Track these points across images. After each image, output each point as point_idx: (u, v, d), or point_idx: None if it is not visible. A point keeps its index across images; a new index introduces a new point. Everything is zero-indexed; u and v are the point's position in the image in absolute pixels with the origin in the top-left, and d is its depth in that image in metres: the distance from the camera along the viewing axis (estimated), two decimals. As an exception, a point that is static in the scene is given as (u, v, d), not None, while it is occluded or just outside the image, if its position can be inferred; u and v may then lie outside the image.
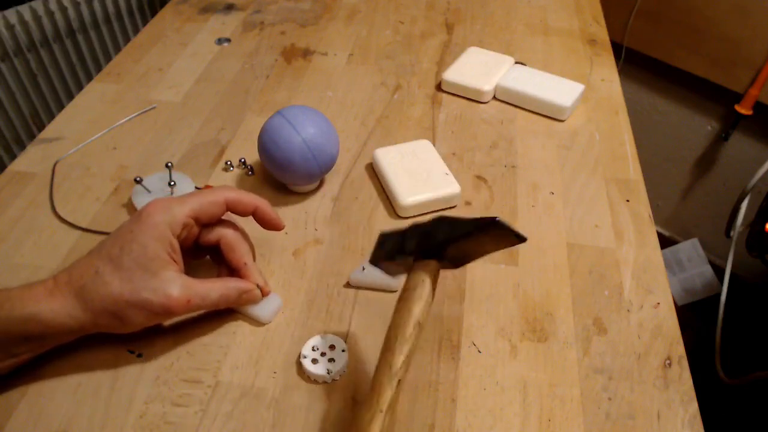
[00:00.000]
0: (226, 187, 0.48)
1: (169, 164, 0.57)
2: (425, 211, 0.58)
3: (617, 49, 1.42)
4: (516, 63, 0.76)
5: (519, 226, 0.57)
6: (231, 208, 0.47)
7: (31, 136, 1.22)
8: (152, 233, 0.42)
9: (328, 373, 0.44)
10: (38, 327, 0.40)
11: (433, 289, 0.39)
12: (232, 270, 0.48)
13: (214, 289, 0.45)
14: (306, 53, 0.81)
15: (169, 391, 0.44)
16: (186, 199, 0.45)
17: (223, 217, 0.48)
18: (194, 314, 0.48)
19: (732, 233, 1.23)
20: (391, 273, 0.46)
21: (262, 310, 0.48)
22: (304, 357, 0.45)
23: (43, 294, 0.41)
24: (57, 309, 0.41)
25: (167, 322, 0.48)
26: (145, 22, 1.37)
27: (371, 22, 0.88)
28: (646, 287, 0.52)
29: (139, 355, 0.46)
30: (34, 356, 0.43)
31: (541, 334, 0.48)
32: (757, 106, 1.33)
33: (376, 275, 0.50)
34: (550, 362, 0.46)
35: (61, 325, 0.41)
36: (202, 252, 0.49)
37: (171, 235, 0.43)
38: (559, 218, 0.58)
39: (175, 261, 0.44)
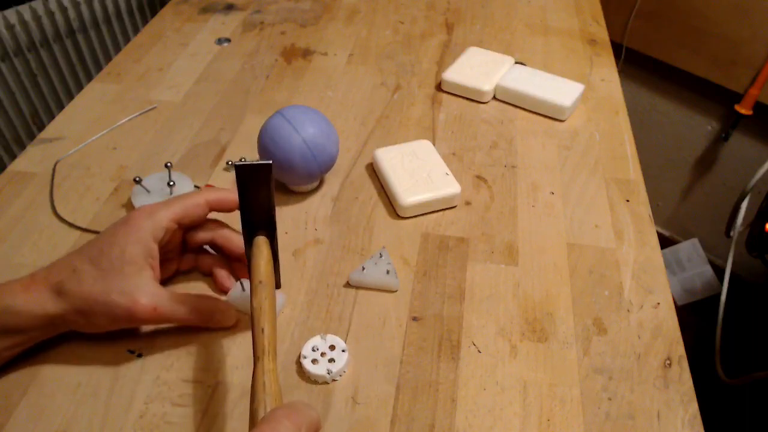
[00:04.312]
0: (205, 189, 0.48)
1: (169, 164, 0.57)
2: (425, 211, 0.58)
3: (617, 49, 1.42)
4: (516, 63, 0.76)
5: (519, 226, 0.57)
6: (214, 207, 0.47)
7: (31, 136, 1.22)
8: (132, 237, 0.43)
9: (329, 373, 0.44)
10: (12, 319, 0.41)
11: (271, 248, 0.43)
12: (226, 269, 0.49)
13: (187, 303, 0.45)
14: (306, 53, 0.81)
15: (169, 391, 0.44)
16: (169, 204, 0.46)
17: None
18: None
19: (732, 233, 1.23)
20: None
21: None
22: (304, 357, 0.45)
23: (19, 288, 0.42)
24: (31, 301, 0.41)
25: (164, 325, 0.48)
26: (145, 22, 1.37)
27: (371, 22, 0.88)
28: (646, 287, 0.52)
29: (139, 355, 0.46)
30: (13, 355, 0.43)
31: (541, 334, 0.48)
32: (757, 106, 1.33)
33: (376, 275, 0.50)
34: (550, 362, 0.46)
35: (33, 318, 0.41)
36: (188, 255, 0.50)
37: (152, 240, 0.44)
38: (559, 218, 0.58)
39: (151, 267, 0.44)
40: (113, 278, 0.42)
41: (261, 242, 0.42)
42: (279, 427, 0.31)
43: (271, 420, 0.32)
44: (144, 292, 0.43)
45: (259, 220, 0.43)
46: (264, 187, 0.41)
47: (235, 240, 0.48)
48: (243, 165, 0.40)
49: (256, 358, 0.37)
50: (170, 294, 0.44)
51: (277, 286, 0.45)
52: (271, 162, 0.40)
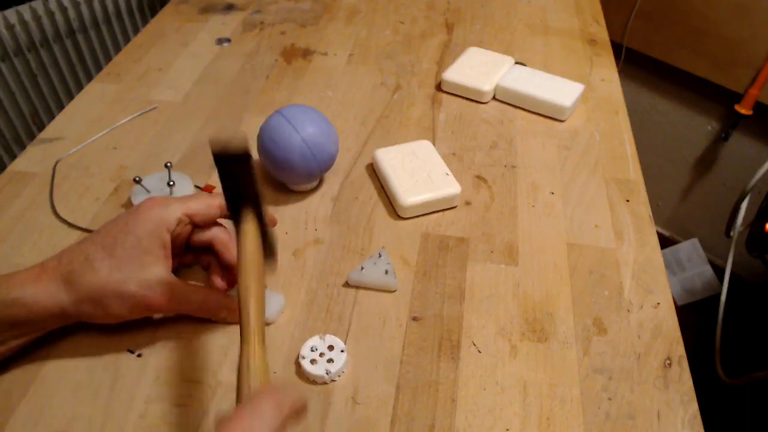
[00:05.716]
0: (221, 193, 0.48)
1: (168, 164, 0.57)
2: (426, 212, 0.58)
3: (617, 49, 1.42)
4: (516, 63, 0.76)
5: (519, 226, 0.57)
6: (225, 212, 0.47)
7: (31, 136, 1.22)
8: (147, 227, 0.43)
9: (327, 373, 0.44)
10: (22, 311, 0.41)
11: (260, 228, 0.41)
12: (225, 271, 0.48)
13: (198, 294, 0.45)
14: (306, 53, 0.81)
15: (169, 391, 0.44)
16: (184, 199, 0.46)
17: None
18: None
19: (732, 233, 1.23)
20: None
21: (266, 309, 0.47)
22: (303, 358, 0.45)
23: (29, 278, 0.41)
24: (41, 292, 0.41)
25: (161, 319, 0.48)
26: (145, 22, 1.37)
27: (371, 22, 0.88)
28: (646, 287, 0.52)
29: (139, 355, 0.46)
30: (23, 344, 0.43)
31: (541, 334, 0.48)
32: (757, 106, 1.33)
33: (375, 275, 0.50)
34: (550, 362, 0.46)
35: (44, 309, 0.41)
36: (190, 254, 0.50)
37: (165, 231, 0.44)
38: (559, 218, 0.58)
39: (165, 257, 0.44)
40: (130, 268, 0.42)
41: (248, 218, 0.41)
42: (260, 406, 0.31)
43: (253, 399, 0.31)
44: (161, 282, 0.43)
45: (243, 195, 0.41)
46: (243, 168, 0.39)
47: (232, 249, 0.48)
48: (221, 154, 0.39)
49: (243, 341, 0.36)
50: (184, 285, 0.44)
51: (272, 256, 0.43)
52: (248, 150, 0.39)
